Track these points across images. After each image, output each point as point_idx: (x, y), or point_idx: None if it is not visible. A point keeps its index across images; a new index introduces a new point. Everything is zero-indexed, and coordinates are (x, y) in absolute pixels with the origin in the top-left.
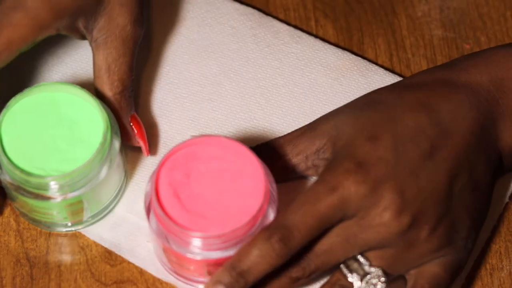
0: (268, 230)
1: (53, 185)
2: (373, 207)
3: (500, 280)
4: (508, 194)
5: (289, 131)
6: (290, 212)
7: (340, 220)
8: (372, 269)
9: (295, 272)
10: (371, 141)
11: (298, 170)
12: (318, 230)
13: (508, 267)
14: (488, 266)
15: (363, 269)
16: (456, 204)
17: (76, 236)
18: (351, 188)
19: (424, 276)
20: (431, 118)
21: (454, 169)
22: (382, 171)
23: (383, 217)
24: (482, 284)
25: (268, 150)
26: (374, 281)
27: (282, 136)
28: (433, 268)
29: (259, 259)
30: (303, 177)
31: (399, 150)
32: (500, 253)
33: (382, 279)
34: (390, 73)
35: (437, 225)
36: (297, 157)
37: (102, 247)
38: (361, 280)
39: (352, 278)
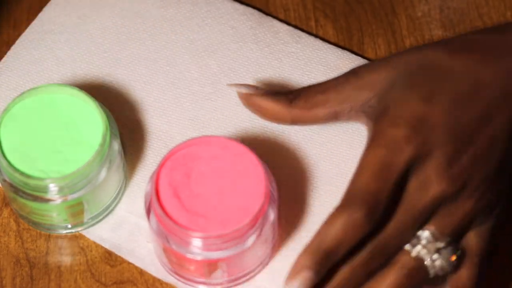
0: (344, 205)
1: (53, 187)
2: (430, 170)
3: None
4: None
5: (290, 131)
6: (360, 182)
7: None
8: (440, 244)
9: (367, 255)
10: (426, 102)
11: (340, 118)
12: (388, 196)
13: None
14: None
15: (431, 245)
16: (506, 172)
17: (76, 236)
18: (410, 152)
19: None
20: (489, 80)
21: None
22: (439, 135)
23: (438, 181)
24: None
25: (309, 95)
26: (446, 255)
27: (324, 82)
28: (477, 239)
29: (343, 234)
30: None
31: (455, 113)
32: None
33: (457, 252)
34: None
35: (486, 192)
36: (341, 105)
37: (102, 247)
38: (432, 257)
39: (424, 256)
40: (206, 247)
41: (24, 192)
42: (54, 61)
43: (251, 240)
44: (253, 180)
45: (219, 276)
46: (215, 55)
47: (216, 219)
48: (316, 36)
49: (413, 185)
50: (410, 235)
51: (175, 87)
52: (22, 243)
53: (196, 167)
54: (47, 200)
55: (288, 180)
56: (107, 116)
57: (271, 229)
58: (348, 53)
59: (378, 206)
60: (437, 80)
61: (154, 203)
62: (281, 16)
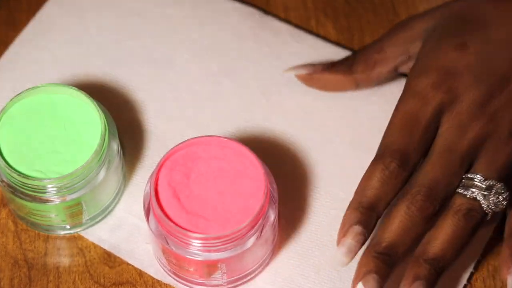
0: (378, 158)
1: (51, 188)
2: (462, 112)
3: (502, 282)
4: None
5: (290, 131)
6: (390, 136)
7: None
8: (491, 182)
9: (411, 196)
10: (458, 50)
11: (401, 70)
12: (423, 143)
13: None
14: (490, 268)
15: (483, 184)
16: None
17: (74, 237)
18: (438, 98)
19: None
20: None
21: None
22: (469, 78)
23: (472, 121)
24: (484, 286)
25: (368, 56)
26: (499, 190)
27: (377, 40)
28: None
29: (382, 185)
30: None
31: (487, 57)
32: None
33: (506, 195)
34: None
35: None
36: (400, 59)
37: (101, 248)
38: (486, 195)
39: (478, 196)
40: (206, 248)
41: (22, 193)
42: (53, 61)
43: (251, 241)
44: (253, 180)
45: (219, 277)
46: (215, 55)
47: (216, 220)
48: (316, 35)
49: (446, 129)
50: (456, 177)
51: (175, 87)
52: (20, 244)
53: (195, 167)
54: (46, 201)
55: (288, 180)
56: (106, 116)
57: (271, 229)
58: (349, 52)
59: (410, 154)
60: (474, 29)
61: (153, 204)
62: (282, 16)
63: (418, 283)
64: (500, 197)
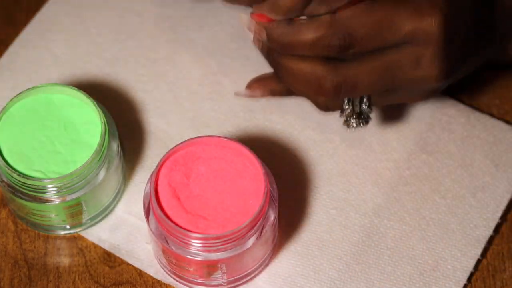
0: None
1: (51, 188)
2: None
3: (502, 282)
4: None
5: (290, 131)
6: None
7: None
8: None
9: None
10: None
11: None
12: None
13: (510, 269)
14: (490, 268)
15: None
16: None
17: (74, 237)
18: (431, 29)
19: None
20: None
21: None
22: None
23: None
24: (484, 286)
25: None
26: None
27: None
28: None
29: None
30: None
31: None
32: (503, 254)
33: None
34: None
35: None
36: None
37: (101, 248)
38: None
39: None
40: (206, 248)
41: (22, 193)
42: (53, 61)
43: (251, 241)
44: (253, 181)
45: (219, 277)
46: (215, 54)
47: (216, 220)
48: None
49: None
50: None
51: (175, 87)
52: (20, 244)
53: (195, 167)
54: (46, 201)
55: (288, 180)
56: (106, 116)
57: (271, 229)
58: None
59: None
60: None
61: (153, 204)
62: None
63: None
64: None
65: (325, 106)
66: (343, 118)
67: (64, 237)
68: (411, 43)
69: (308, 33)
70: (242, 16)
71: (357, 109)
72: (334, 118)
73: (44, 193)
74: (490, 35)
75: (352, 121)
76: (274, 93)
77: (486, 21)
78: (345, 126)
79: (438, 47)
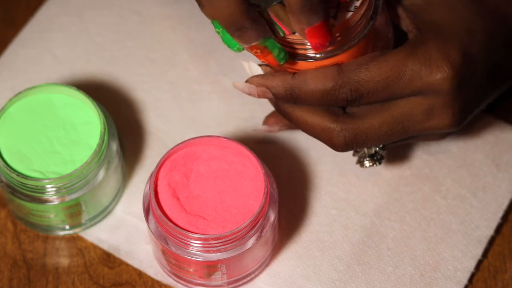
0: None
1: (50, 188)
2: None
3: (503, 283)
4: None
5: (290, 131)
6: (363, 69)
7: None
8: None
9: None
10: (468, 34)
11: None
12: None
13: (511, 270)
14: (491, 269)
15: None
16: None
17: (74, 238)
18: (441, 83)
19: None
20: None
21: None
22: (467, 73)
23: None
24: (485, 286)
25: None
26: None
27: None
28: None
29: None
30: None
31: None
32: (504, 255)
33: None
34: None
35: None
36: (408, 19)
37: (101, 249)
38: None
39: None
40: (206, 249)
41: (21, 193)
42: (52, 60)
43: (251, 241)
44: (253, 181)
45: (219, 278)
46: (215, 54)
47: (216, 220)
48: None
49: None
50: None
51: (174, 86)
52: (19, 245)
53: (195, 167)
54: (45, 201)
55: (288, 180)
56: (105, 116)
57: (272, 230)
58: None
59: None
60: (478, 12)
61: (153, 204)
62: None
63: None
64: None
65: (340, 148)
66: (356, 158)
67: (63, 237)
68: (422, 94)
69: (315, 86)
70: (237, 84)
71: (371, 151)
72: None
73: (43, 193)
74: (509, 74)
75: (365, 162)
76: (291, 127)
77: (505, 65)
78: (358, 165)
79: (449, 98)
